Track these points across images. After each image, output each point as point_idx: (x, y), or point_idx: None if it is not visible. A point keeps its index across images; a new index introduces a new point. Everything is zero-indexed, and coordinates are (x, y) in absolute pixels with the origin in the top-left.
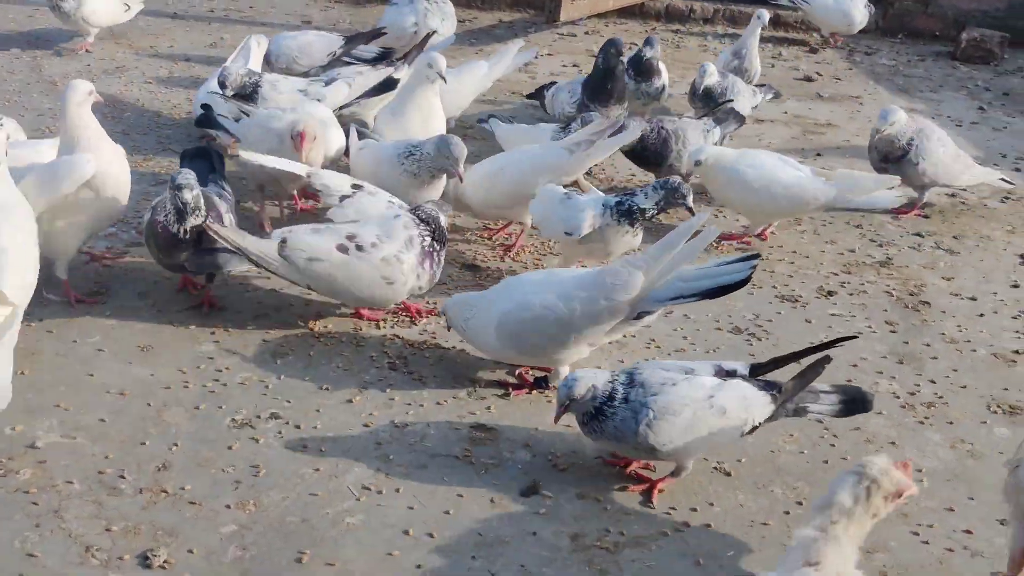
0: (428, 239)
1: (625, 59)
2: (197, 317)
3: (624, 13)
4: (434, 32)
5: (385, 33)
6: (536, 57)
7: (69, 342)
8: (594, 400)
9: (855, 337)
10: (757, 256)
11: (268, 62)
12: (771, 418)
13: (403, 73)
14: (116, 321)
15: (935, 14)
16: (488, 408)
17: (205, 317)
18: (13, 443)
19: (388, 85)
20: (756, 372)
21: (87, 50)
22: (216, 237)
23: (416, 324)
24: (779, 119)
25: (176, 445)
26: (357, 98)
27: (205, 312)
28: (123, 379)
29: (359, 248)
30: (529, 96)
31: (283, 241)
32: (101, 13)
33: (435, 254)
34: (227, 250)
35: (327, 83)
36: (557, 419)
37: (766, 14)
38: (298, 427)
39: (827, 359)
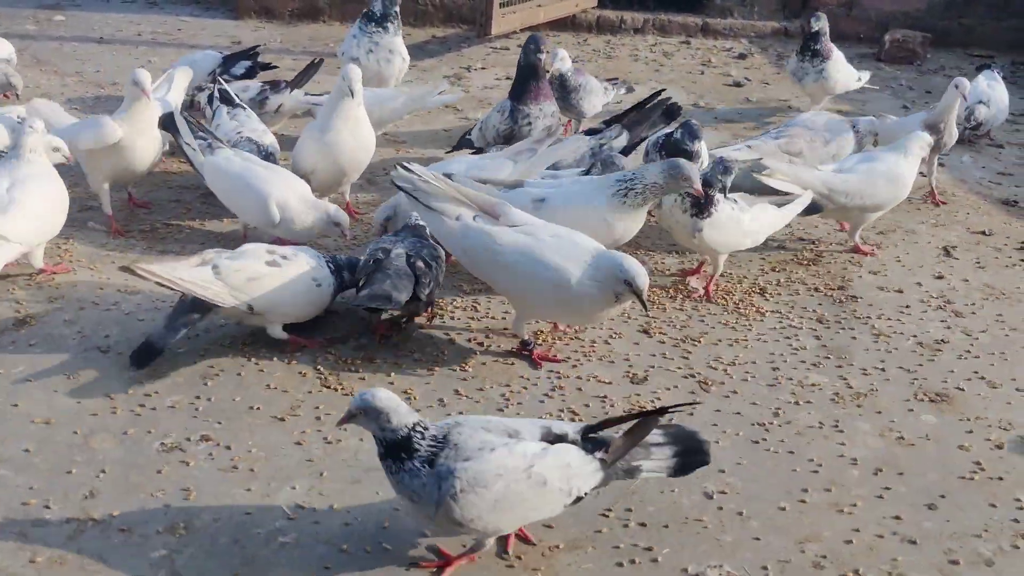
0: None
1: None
2: (124, 342)
3: (556, 25)
4: (321, 61)
5: (257, 53)
6: (456, 101)
7: None
8: (393, 433)
9: (695, 404)
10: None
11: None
12: (600, 485)
13: (284, 96)
14: (42, 351)
15: (859, 17)
16: None
17: (132, 343)
18: None
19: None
20: (589, 433)
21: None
22: (147, 276)
23: (346, 341)
24: (708, 124)
25: (104, 472)
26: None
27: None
28: (49, 408)
29: (284, 258)
30: (453, 149)
31: (215, 267)
32: None
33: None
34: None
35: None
36: (340, 423)
37: (965, 83)
38: (228, 448)
39: (662, 411)
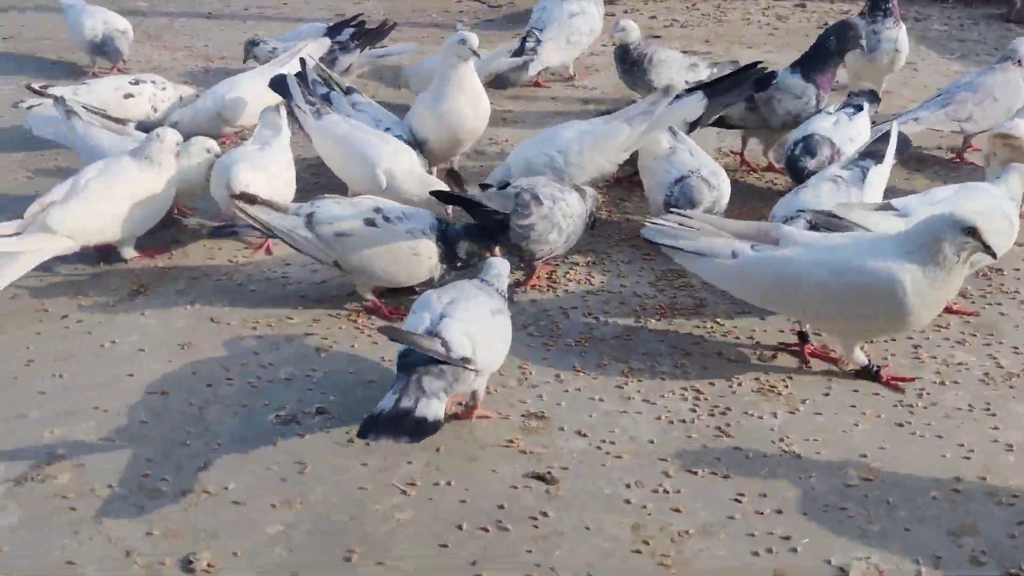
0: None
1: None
2: (238, 313)
3: None
4: (394, 24)
5: (363, 22)
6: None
7: (108, 342)
8: None
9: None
10: None
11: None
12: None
13: (353, 56)
14: (155, 320)
15: None
16: (540, 396)
17: (246, 312)
18: (51, 447)
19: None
20: None
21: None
22: (240, 214)
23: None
24: (834, 88)
25: (219, 444)
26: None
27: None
28: (164, 378)
29: (386, 219)
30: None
31: (310, 215)
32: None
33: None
34: None
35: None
36: None
37: None
38: (343, 421)
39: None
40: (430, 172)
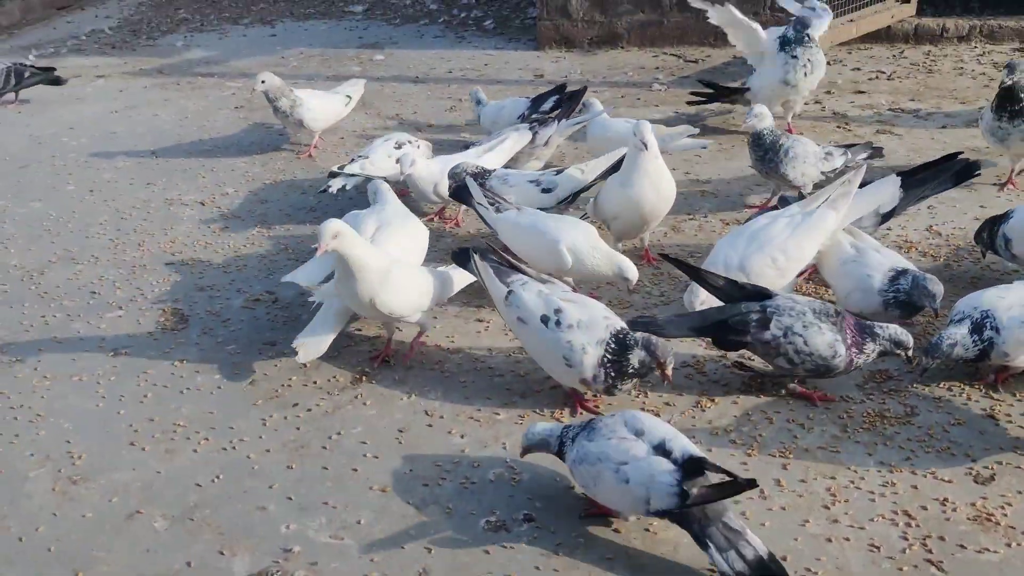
0: (610, 356)
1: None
2: (449, 407)
3: (869, 37)
4: (585, 89)
5: (564, 87)
6: (704, 148)
7: (334, 434)
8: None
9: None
10: None
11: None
12: (671, 511)
13: (552, 128)
14: (376, 411)
15: None
16: (743, 513)
17: (457, 407)
18: (288, 541)
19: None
20: (694, 463)
21: (311, 154)
22: (473, 265)
23: (659, 415)
24: None
25: (432, 548)
26: (596, 179)
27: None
28: (384, 475)
29: (557, 323)
30: None
31: (509, 293)
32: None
33: (608, 369)
34: None
35: (558, 172)
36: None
37: None
38: (552, 532)
39: (752, 483)
40: (618, 249)
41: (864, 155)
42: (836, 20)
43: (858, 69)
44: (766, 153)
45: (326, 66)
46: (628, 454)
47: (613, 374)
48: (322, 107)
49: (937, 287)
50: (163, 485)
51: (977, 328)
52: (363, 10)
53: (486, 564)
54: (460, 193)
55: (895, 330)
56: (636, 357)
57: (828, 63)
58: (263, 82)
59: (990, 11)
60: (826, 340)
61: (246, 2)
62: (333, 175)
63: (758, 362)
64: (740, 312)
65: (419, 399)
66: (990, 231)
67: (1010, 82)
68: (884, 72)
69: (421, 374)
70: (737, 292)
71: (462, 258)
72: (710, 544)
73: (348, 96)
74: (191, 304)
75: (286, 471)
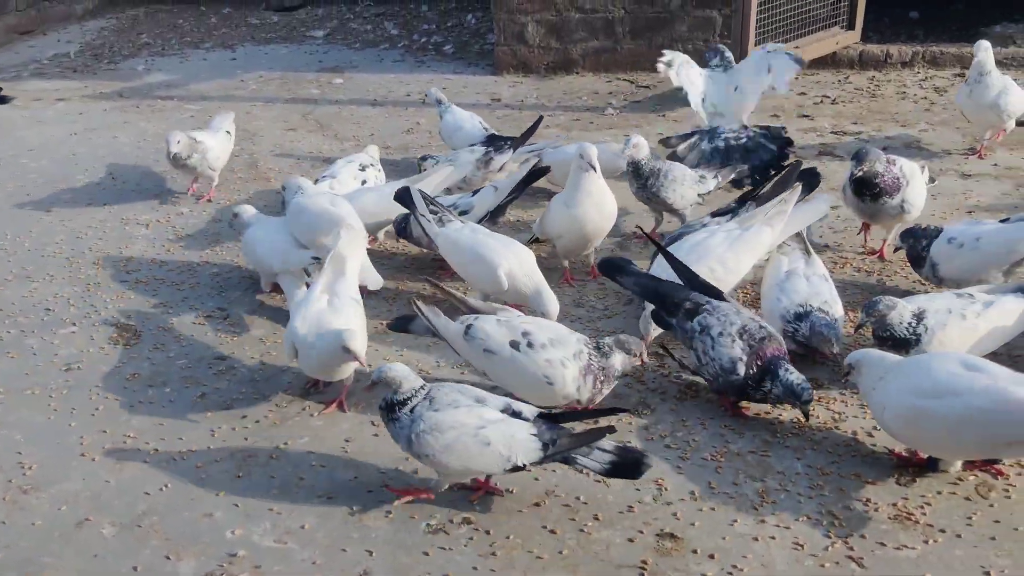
0: (595, 361)
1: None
2: None
3: (815, 64)
4: (540, 119)
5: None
6: None
7: (281, 444)
8: (394, 394)
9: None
10: None
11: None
12: (539, 462)
13: (506, 155)
14: (323, 421)
15: None
16: (674, 514)
17: None
18: (233, 546)
19: (535, 175)
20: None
21: (210, 199)
22: (417, 312)
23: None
24: (988, 172)
25: (374, 551)
26: (509, 196)
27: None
28: (329, 482)
29: (529, 345)
30: None
31: (468, 327)
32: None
33: (597, 376)
34: None
35: (474, 193)
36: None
37: None
38: (488, 533)
39: (611, 428)
40: (565, 267)
41: (731, 176)
42: (783, 46)
43: (804, 94)
44: (646, 180)
45: (285, 89)
46: (483, 419)
47: (602, 380)
48: (220, 146)
49: (831, 334)
50: (112, 494)
51: (919, 317)
52: (324, 35)
53: (425, 565)
54: (403, 201)
55: (794, 381)
56: (618, 361)
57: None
58: (178, 142)
59: (933, 38)
60: (730, 355)
61: (208, 27)
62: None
63: (681, 354)
64: (684, 296)
65: (366, 410)
66: (915, 250)
67: (860, 173)
68: (829, 96)
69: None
70: (697, 284)
71: (402, 323)
72: (576, 458)
73: (228, 132)
74: (144, 320)
75: (234, 480)
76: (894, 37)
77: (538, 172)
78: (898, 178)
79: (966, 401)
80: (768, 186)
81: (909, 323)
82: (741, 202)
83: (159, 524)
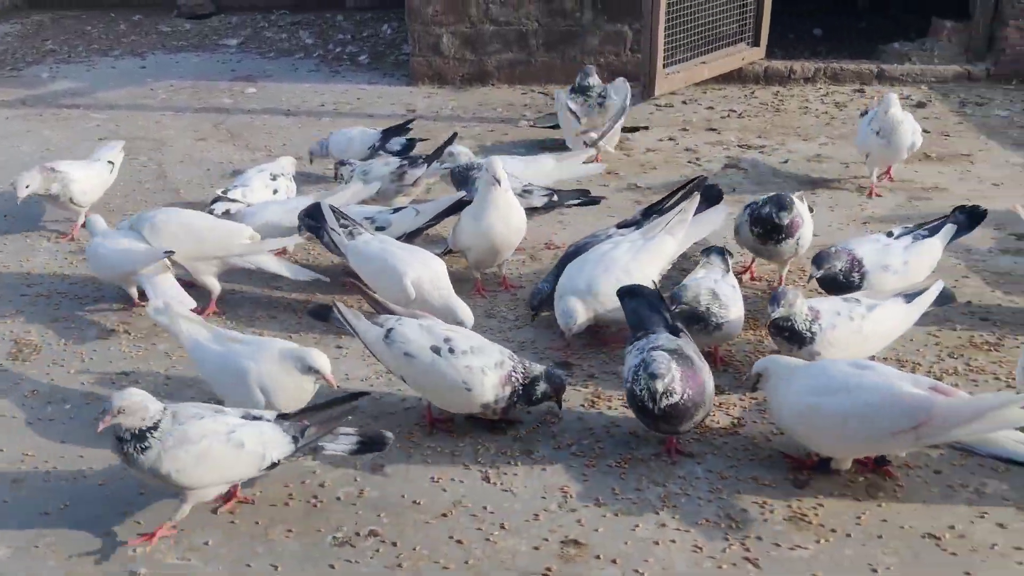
0: (518, 376)
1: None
2: None
3: (722, 79)
4: (455, 135)
5: (410, 129)
6: (599, 172)
7: None
8: (143, 422)
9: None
10: None
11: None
12: (292, 455)
13: (421, 170)
14: None
15: None
16: (578, 521)
17: None
18: (136, 564)
19: (459, 206)
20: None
21: (74, 237)
22: (337, 315)
23: (506, 432)
24: (883, 185)
25: (279, 566)
26: (429, 221)
27: None
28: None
29: (451, 351)
30: None
31: (389, 331)
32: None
33: (516, 389)
34: None
35: (395, 211)
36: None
37: None
38: (395, 544)
39: (351, 410)
40: (477, 279)
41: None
42: (690, 62)
43: (712, 108)
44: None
45: (196, 98)
46: (231, 424)
47: (519, 395)
48: (89, 178)
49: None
50: (8, 514)
51: (815, 317)
52: (237, 43)
53: None
54: (313, 217)
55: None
56: (541, 389)
57: (684, 102)
58: (27, 187)
59: (834, 55)
60: (629, 364)
61: (117, 34)
62: (217, 200)
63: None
64: (651, 317)
65: None
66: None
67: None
68: (735, 111)
69: None
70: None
71: (322, 314)
72: (324, 446)
73: (111, 163)
74: (44, 334)
75: (136, 497)
76: (798, 53)
77: (461, 204)
78: (798, 218)
79: (856, 396)
80: (673, 199)
81: (807, 318)
82: (646, 214)
83: (58, 544)
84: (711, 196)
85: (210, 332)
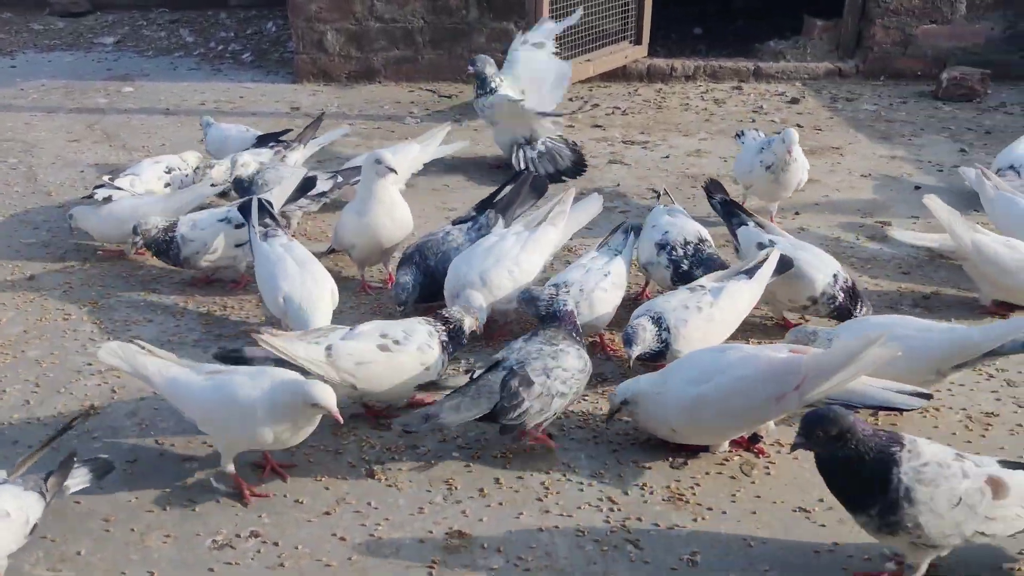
0: (443, 332)
1: None
2: (182, 438)
3: (607, 77)
4: (322, 115)
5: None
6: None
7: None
8: None
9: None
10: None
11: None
12: (45, 508)
13: (298, 152)
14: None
15: (915, 55)
16: (463, 512)
17: (189, 436)
18: None
19: (308, 186)
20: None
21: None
22: (265, 347)
23: (391, 428)
24: None
25: (155, 571)
26: (284, 205)
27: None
28: (107, 505)
29: (396, 343)
30: None
31: (329, 347)
32: None
33: (447, 347)
34: None
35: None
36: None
37: None
38: (276, 544)
39: (71, 458)
40: (361, 276)
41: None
42: (576, 60)
43: (598, 105)
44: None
45: (69, 98)
46: None
47: (451, 351)
48: None
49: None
50: None
51: (659, 323)
52: (114, 42)
53: None
54: (244, 213)
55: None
56: (467, 324)
57: (570, 99)
58: None
59: (714, 54)
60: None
61: None
62: (100, 186)
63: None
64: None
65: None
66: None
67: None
68: (620, 108)
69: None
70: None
71: (233, 357)
72: (69, 488)
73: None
74: None
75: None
76: (679, 52)
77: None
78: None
79: (731, 374)
80: (503, 192)
81: (656, 335)
82: (480, 208)
83: None
84: (537, 188)
85: (181, 365)
